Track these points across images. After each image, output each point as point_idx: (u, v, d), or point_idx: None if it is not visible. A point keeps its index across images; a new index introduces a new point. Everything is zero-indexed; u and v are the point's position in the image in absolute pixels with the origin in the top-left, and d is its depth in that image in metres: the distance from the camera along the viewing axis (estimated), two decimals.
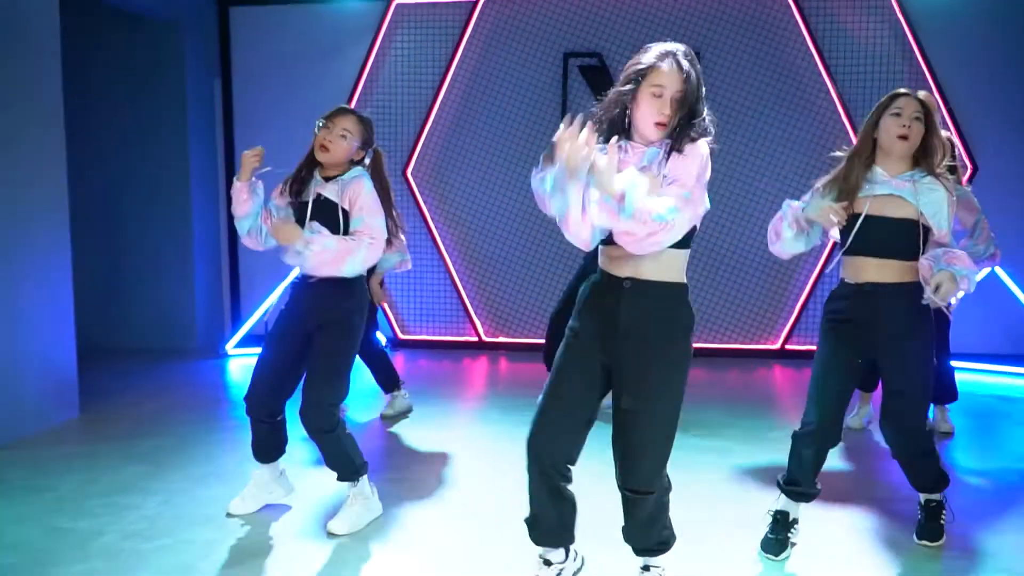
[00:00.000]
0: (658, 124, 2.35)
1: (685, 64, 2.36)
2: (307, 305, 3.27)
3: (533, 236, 6.85)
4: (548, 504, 2.54)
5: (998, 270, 6.08)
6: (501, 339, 7.02)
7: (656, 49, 2.40)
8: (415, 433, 4.69)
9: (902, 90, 3.00)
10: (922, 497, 3.20)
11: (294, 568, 3.04)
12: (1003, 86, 6.28)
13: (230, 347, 6.86)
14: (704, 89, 2.45)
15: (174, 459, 4.24)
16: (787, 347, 6.60)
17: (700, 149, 2.36)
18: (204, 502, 3.65)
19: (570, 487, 2.55)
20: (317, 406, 3.20)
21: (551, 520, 2.56)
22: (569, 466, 2.52)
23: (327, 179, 3.32)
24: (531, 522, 2.59)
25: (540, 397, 2.54)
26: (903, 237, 2.89)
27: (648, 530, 2.55)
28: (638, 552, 2.60)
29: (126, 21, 6.64)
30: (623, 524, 2.59)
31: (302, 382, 3.30)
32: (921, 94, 2.97)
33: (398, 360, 6.45)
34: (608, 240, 2.41)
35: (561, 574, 2.64)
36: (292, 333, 3.31)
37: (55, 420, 4.80)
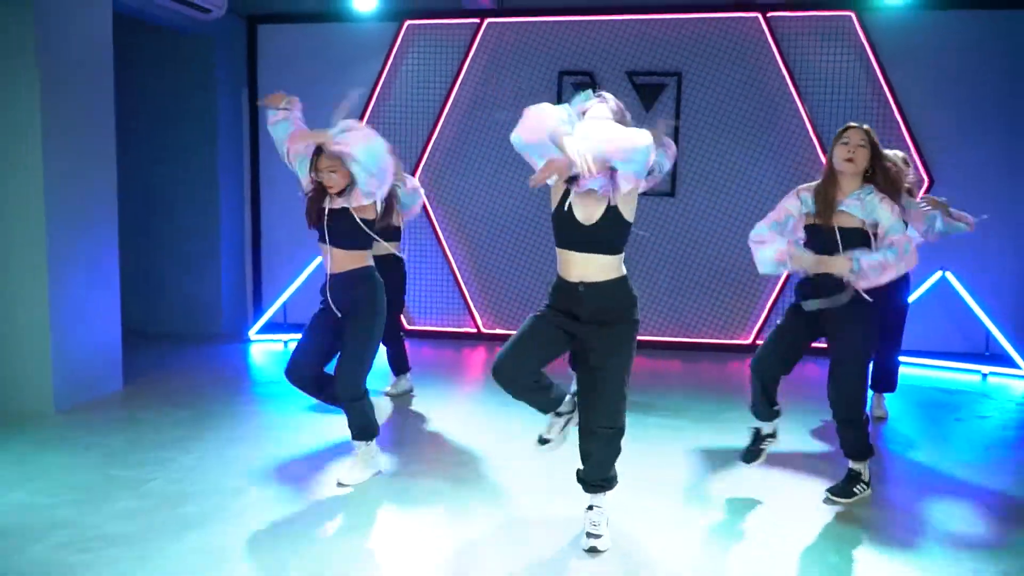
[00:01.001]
0: None
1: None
2: (336, 297, 3.90)
3: (528, 237, 7.50)
4: (525, 397, 3.30)
5: (950, 276, 6.67)
6: (498, 331, 7.69)
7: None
8: (418, 410, 5.37)
9: (851, 124, 3.68)
10: (854, 465, 3.82)
11: (310, 504, 3.73)
12: (956, 106, 6.86)
13: (252, 333, 7.57)
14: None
15: (206, 424, 4.96)
16: (758, 342, 7.23)
17: None
18: (231, 459, 4.34)
19: (542, 381, 3.28)
20: (351, 377, 3.85)
21: (537, 402, 3.34)
22: (531, 378, 3.23)
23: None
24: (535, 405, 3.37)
25: (511, 339, 3.24)
26: (849, 243, 3.55)
27: (601, 468, 3.26)
28: (590, 487, 3.30)
29: (165, 37, 7.35)
30: (581, 468, 3.32)
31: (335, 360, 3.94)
32: (865, 126, 3.65)
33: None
34: (561, 246, 3.11)
35: (569, 420, 3.44)
36: (324, 322, 3.97)
37: (103, 391, 5.53)
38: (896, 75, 6.92)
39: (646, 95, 7.24)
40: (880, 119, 6.91)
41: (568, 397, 3.44)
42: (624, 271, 3.22)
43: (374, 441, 4.08)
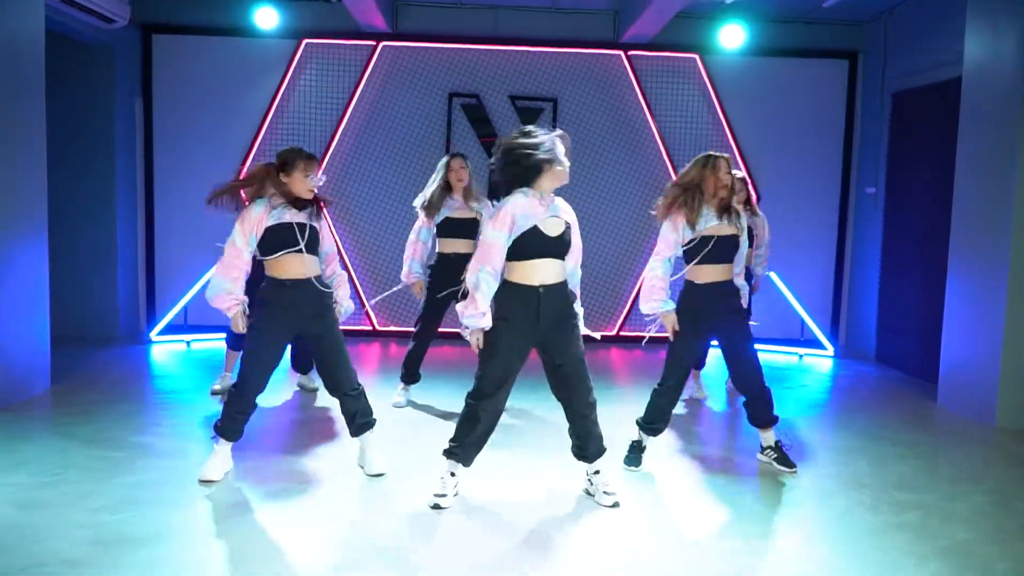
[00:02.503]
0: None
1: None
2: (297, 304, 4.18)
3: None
4: (483, 439, 3.94)
5: (773, 275, 8.10)
6: (391, 328, 8.39)
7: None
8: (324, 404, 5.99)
9: (712, 152, 4.50)
10: (765, 439, 4.55)
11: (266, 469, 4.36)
12: (780, 135, 8.35)
13: (154, 334, 7.84)
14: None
15: (148, 416, 5.41)
16: (621, 333, 8.40)
17: None
18: (192, 439, 4.86)
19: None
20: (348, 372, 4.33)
21: (478, 449, 3.97)
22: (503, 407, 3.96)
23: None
24: (461, 454, 3.93)
25: (486, 370, 3.82)
26: (730, 249, 4.44)
27: (598, 438, 4.03)
28: (594, 457, 4.02)
29: (64, 44, 7.48)
30: (579, 446, 4.01)
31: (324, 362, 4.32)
32: (727, 155, 4.51)
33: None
34: (530, 255, 3.78)
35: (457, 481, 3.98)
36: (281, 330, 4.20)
37: (38, 390, 5.77)
38: (731, 107, 8.31)
39: (526, 117, 8.21)
40: (719, 145, 8.27)
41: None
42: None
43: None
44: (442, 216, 5.59)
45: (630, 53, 8.23)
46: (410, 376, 5.79)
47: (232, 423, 4.17)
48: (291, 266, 4.16)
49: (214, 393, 5.91)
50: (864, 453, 4.90)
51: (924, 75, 7.17)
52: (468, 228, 5.58)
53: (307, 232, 4.20)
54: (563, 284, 3.91)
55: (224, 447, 4.23)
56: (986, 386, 5.58)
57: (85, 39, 7.42)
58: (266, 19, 7.72)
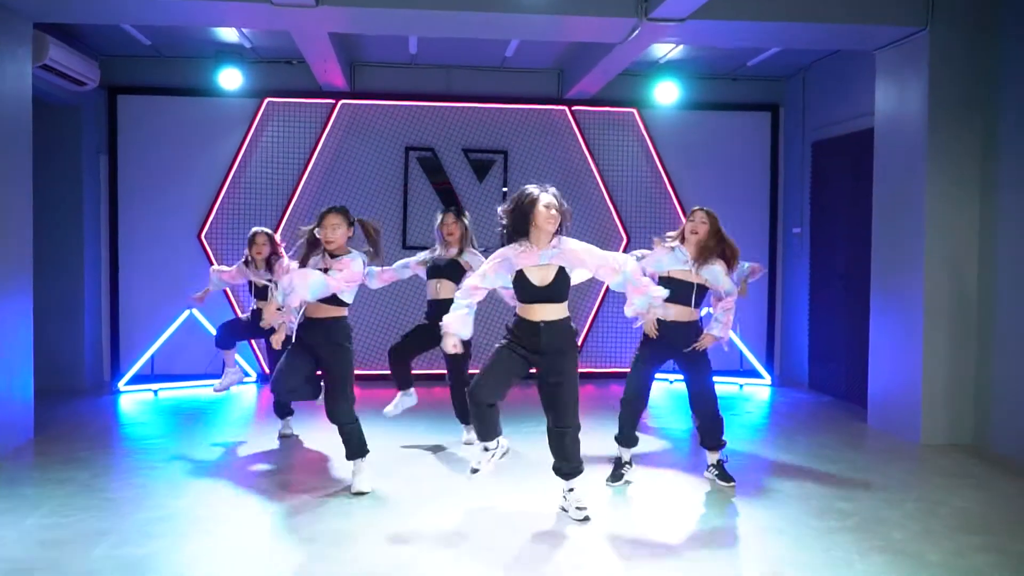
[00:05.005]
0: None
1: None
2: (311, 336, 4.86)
3: (374, 292, 8.62)
4: (485, 419, 4.38)
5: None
6: (358, 371, 8.68)
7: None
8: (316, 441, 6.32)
9: (696, 207, 5.11)
10: (711, 459, 5.13)
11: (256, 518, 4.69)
12: (711, 180, 9.01)
13: (122, 384, 8.00)
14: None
15: (138, 460, 5.64)
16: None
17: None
18: (187, 480, 5.13)
19: (499, 406, 4.42)
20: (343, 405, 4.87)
21: (489, 428, 4.41)
22: (496, 400, 4.37)
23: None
24: (478, 431, 4.42)
25: (483, 367, 4.33)
26: (689, 292, 4.99)
27: (574, 457, 4.44)
28: (568, 475, 4.45)
29: (36, 106, 7.65)
30: (555, 463, 4.46)
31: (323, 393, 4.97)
32: (707, 208, 5.08)
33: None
34: (525, 300, 4.30)
35: (495, 454, 4.49)
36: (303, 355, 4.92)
37: (21, 440, 5.94)
38: (668, 156, 8.98)
39: (479, 169, 8.75)
40: (657, 190, 8.94)
41: (498, 440, 4.45)
42: (568, 312, 4.41)
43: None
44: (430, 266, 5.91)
45: (574, 108, 8.84)
46: (405, 383, 6.01)
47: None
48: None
49: (217, 390, 6.56)
50: (807, 470, 5.46)
51: (840, 126, 7.95)
52: (449, 270, 5.84)
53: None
54: (565, 320, 4.35)
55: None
56: (910, 407, 6.24)
57: (55, 101, 7.66)
58: (229, 80, 8.05)
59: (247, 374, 7.17)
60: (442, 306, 5.75)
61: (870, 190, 6.86)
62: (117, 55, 8.20)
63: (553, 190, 4.37)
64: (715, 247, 5.00)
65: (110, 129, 8.36)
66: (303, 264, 4.92)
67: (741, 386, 8.49)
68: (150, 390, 7.95)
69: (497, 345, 4.44)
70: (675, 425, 6.86)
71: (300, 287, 4.60)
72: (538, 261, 4.31)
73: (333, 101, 8.59)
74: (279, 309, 4.94)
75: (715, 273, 5.01)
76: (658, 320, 4.97)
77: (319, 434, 6.18)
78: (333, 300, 4.84)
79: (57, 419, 6.75)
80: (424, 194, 8.72)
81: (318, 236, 4.86)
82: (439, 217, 5.93)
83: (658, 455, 5.89)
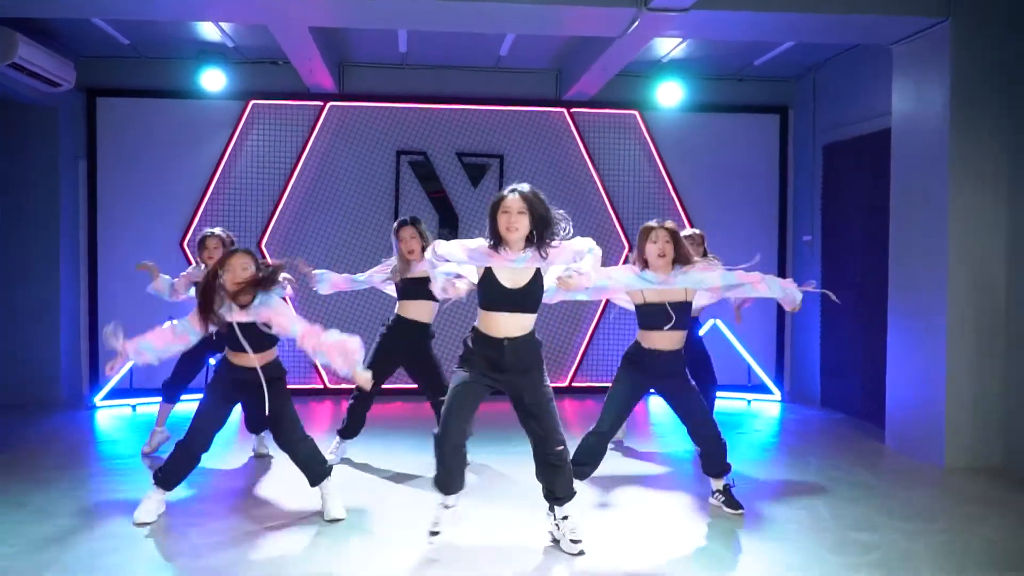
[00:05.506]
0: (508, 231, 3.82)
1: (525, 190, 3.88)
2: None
3: (364, 298, 8.23)
4: (455, 467, 3.99)
5: (720, 323, 8.30)
6: (343, 385, 8.31)
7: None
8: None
9: (652, 223, 4.72)
10: (716, 484, 4.66)
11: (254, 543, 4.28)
12: (716, 185, 8.63)
13: (98, 399, 7.62)
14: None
15: (100, 483, 5.25)
16: (574, 384, 8.48)
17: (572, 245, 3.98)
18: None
19: (464, 449, 4.02)
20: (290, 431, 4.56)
21: (455, 477, 4.01)
22: (466, 437, 3.99)
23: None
24: (443, 482, 4.01)
25: (445, 406, 3.95)
26: (680, 315, 4.58)
27: (567, 481, 4.03)
28: (562, 500, 4.02)
29: (8, 107, 7.36)
30: (548, 489, 4.02)
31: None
32: (668, 224, 4.71)
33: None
34: (488, 306, 3.88)
35: (454, 510, 4.10)
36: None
37: None
38: (671, 160, 8.58)
39: (473, 173, 8.36)
40: (660, 196, 8.54)
41: (453, 498, 4.07)
42: (534, 327, 4.00)
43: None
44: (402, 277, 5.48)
45: (573, 110, 8.46)
46: (350, 431, 5.65)
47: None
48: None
49: (145, 454, 5.89)
50: (821, 496, 5.03)
51: (853, 127, 7.54)
52: (427, 288, 5.54)
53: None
54: (530, 335, 3.95)
55: (160, 493, 4.50)
56: (932, 427, 5.80)
57: (29, 101, 7.32)
58: (212, 81, 7.71)
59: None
60: (410, 328, 5.51)
61: (886, 194, 6.45)
62: (95, 56, 7.86)
63: (524, 188, 3.88)
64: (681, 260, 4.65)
65: (89, 132, 8.02)
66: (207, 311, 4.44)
67: (749, 402, 8.07)
68: (128, 405, 7.57)
69: (454, 371, 4.01)
70: (675, 446, 6.42)
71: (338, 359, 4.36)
72: (512, 260, 3.86)
73: (321, 103, 8.22)
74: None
75: (693, 279, 4.63)
76: (641, 349, 4.63)
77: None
78: (268, 342, 4.60)
79: (25, 435, 6.38)
80: (417, 200, 8.34)
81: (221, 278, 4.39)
82: (393, 227, 5.48)
83: (657, 479, 5.46)
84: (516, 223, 3.80)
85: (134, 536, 4.23)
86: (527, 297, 3.90)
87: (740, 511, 4.63)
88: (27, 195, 7.65)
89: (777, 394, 8.23)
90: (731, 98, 8.62)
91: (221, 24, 6.91)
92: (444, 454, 3.96)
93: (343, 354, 4.30)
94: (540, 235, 3.89)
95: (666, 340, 4.60)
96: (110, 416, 7.30)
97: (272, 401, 4.51)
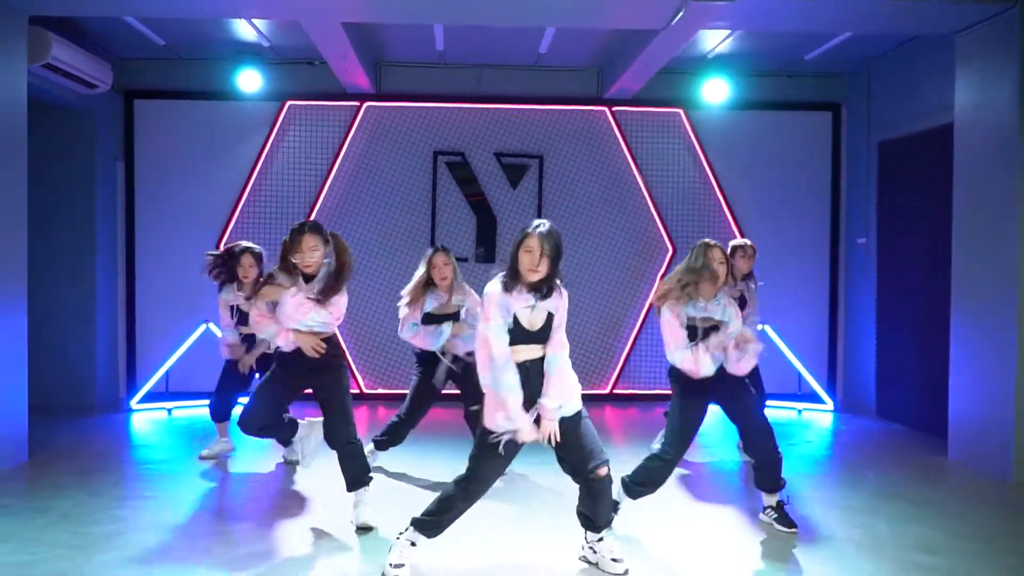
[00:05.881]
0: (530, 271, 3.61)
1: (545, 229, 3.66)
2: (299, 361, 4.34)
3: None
4: (457, 515, 3.71)
5: (768, 329, 7.97)
6: (380, 391, 8.16)
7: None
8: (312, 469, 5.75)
9: (709, 241, 4.44)
10: (768, 500, 4.44)
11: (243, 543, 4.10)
12: (765, 186, 8.31)
13: (134, 403, 7.56)
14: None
15: (127, 488, 5.13)
16: (615, 391, 8.21)
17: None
18: (173, 511, 4.59)
19: None
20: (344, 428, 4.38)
21: (444, 527, 3.73)
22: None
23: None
24: (431, 527, 3.71)
25: (474, 461, 3.68)
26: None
27: (607, 508, 3.78)
28: (601, 527, 3.80)
29: (45, 109, 7.35)
30: (585, 513, 3.78)
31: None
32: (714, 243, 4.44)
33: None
34: (512, 343, 3.63)
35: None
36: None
37: (13, 462, 5.49)
38: (717, 160, 8.28)
39: (512, 174, 8.15)
40: (705, 197, 8.25)
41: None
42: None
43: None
44: (424, 310, 5.29)
45: (615, 108, 8.21)
46: (386, 444, 5.48)
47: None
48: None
49: (203, 458, 5.75)
50: (880, 513, 4.70)
51: (912, 123, 7.17)
52: (446, 317, 5.30)
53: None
54: (540, 359, 3.71)
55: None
56: (1000, 440, 5.43)
57: (66, 105, 7.30)
58: (249, 82, 7.65)
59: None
60: (435, 359, 5.29)
61: (948, 194, 6.08)
62: (132, 58, 7.83)
63: (544, 227, 3.67)
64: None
65: (126, 134, 7.99)
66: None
67: (799, 411, 7.72)
68: (164, 408, 7.50)
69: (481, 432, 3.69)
70: (724, 456, 6.13)
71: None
72: (529, 302, 3.65)
73: (357, 103, 8.09)
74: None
75: (729, 312, 4.37)
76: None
77: (324, 459, 5.60)
78: None
79: (59, 439, 6.32)
80: (454, 202, 8.16)
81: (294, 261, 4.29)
82: (428, 254, 5.29)
83: (704, 491, 5.18)
84: (533, 268, 3.61)
85: (157, 546, 4.09)
86: (543, 334, 3.73)
87: (794, 530, 4.34)
88: (64, 197, 7.64)
89: (829, 403, 7.87)
90: (780, 95, 8.29)
91: (256, 23, 6.81)
92: (459, 509, 3.72)
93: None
94: (551, 282, 3.70)
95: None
96: (145, 420, 7.23)
97: (330, 389, 4.40)
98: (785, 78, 8.27)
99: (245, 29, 7.00)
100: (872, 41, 7.19)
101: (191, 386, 7.72)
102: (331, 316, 4.35)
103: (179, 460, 5.82)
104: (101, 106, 7.67)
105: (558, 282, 3.73)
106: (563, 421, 3.68)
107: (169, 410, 7.47)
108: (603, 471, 3.69)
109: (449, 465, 5.55)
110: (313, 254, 4.29)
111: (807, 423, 7.37)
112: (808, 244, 8.40)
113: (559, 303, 3.71)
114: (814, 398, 7.90)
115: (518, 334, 3.67)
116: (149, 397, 7.62)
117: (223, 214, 8.03)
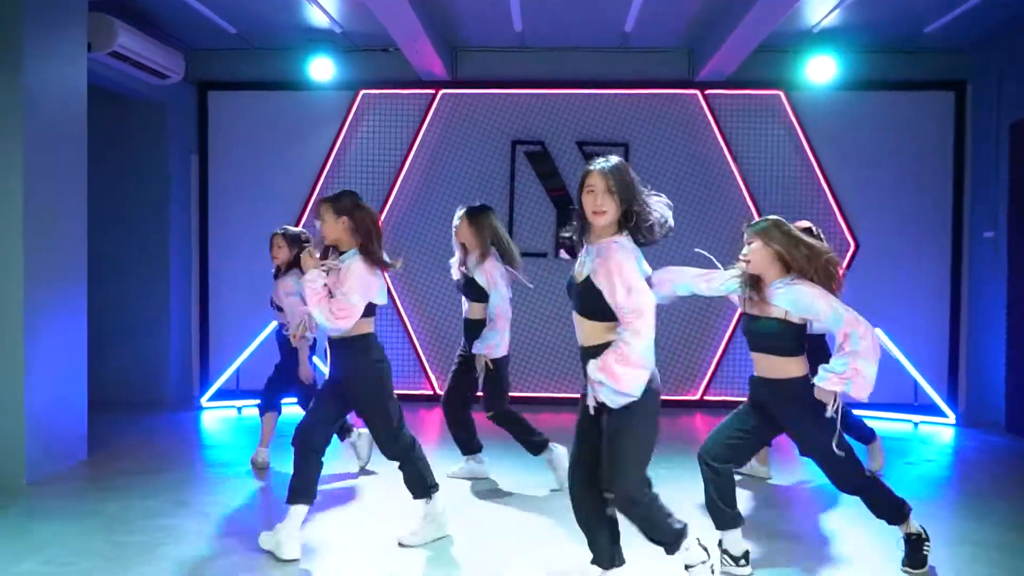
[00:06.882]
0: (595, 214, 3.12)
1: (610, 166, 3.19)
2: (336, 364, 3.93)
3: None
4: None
5: (880, 332, 7.19)
6: None
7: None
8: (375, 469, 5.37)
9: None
10: (900, 530, 3.75)
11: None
12: (877, 175, 7.53)
13: (204, 400, 7.40)
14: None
15: (192, 490, 4.85)
16: (706, 398, 7.58)
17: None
18: (234, 523, 4.27)
19: None
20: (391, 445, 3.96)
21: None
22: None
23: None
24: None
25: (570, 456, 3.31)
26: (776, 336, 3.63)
27: (663, 530, 3.25)
28: (672, 548, 3.26)
29: (117, 101, 7.27)
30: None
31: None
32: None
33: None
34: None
35: None
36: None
37: (70, 462, 5.32)
38: (821, 147, 7.55)
39: None
40: (808, 187, 7.53)
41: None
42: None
43: (436, 498, 4.03)
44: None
45: (707, 92, 7.58)
46: (468, 446, 5.17)
47: None
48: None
49: (254, 464, 5.43)
50: (1019, 552, 3.98)
51: None
52: (467, 290, 4.97)
53: None
54: (598, 348, 3.13)
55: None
56: None
57: (137, 96, 7.19)
58: (321, 71, 7.39)
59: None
60: (472, 326, 4.95)
61: None
62: (204, 48, 7.67)
63: (607, 161, 3.25)
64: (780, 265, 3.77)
65: (200, 126, 7.85)
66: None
67: (916, 424, 6.92)
68: (233, 407, 7.31)
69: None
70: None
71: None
72: (581, 259, 3.20)
73: (433, 91, 7.72)
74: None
75: (795, 299, 3.65)
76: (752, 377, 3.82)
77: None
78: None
79: (123, 437, 6.16)
80: (533, 193, 7.70)
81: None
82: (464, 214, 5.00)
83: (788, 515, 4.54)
84: (599, 208, 3.13)
85: (192, 561, 3.76)
86: (575, 297, 3.21)
87: (922, 570, 3.67)
88: (140, 190, 7.54)
89: (951, 416, 7.03)
90: (895, 73, 7.49)
91: (326, 7, 6.51)
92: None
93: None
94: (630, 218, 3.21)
95: (758, 363, 3.76)
96: (215, 418, 7.05)
97: (363, 403, 4.03)
98: (901, 54, 7.45)
99: (317, 15, 6.72)
100: (1003, 8, 6.35)
101: (262, 384, 7.48)
102: (331, 314, 3.71)
103: (241, 463, 5.55)
104: (173, 97, 7.53)
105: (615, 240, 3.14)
106: (616, 423, 3.16)
107: (239, 408, 7.27)
108: (610, 497, 3.19)
109: (534, 473, 5.08)
110: (323, 226, 3.92)
111: (925, 438, 6.58)
112: (926, 238, 7.56)
113: (603, 263, 3.10)
114: (933, 410, 7.07)
115: (568, 286, 3.30)
116: (220, 395, 7.44)
117: (297, 205, 7.78)
